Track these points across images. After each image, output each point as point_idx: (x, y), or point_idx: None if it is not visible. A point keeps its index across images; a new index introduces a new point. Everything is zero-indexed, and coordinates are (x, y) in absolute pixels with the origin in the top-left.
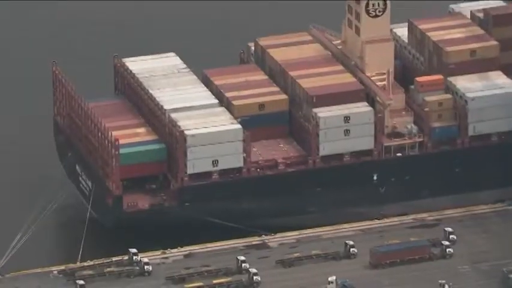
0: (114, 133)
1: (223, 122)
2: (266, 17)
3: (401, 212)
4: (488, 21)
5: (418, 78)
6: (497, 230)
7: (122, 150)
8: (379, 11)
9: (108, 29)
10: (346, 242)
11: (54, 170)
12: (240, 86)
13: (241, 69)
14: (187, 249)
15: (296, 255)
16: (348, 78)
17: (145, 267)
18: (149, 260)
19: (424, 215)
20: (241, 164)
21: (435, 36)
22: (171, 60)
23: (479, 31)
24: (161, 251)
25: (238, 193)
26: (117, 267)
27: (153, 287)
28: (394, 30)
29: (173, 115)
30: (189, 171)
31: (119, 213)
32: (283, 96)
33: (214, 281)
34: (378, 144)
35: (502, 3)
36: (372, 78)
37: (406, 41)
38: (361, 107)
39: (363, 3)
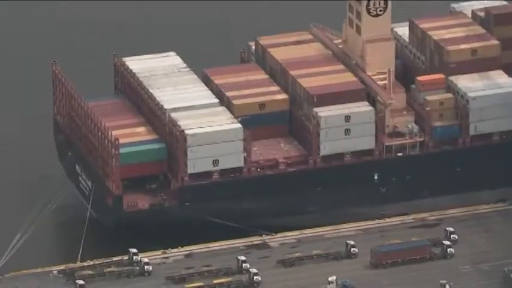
0: (114, 132)
1: (224, 122)
2: (267, 16)
3: (402, 211)
4: (490, 20)
5: (419, 78)
6: (498, 230)
7: (122, 150)
8: (380, 10)
9: (108, 28)
10: (347, 241)
11: (54, 170)
12: (240, 85)
13: (242, 68)
14: (188, 249)
15: (297, 255)
16: (348, 77)
17: (146, 267)
18: (149, 260)
19: (425, 214)
20: (241, 163)
21: (436, 35)
22: (171, 60)
23: (480, 30)
24: (161, 250)
25: (239, 193)
26: (117, 267)
27: (153, 287)
28: (395, 29)
29: (173, 114)
30: (190, 170)
31: (119, 213)
32: (284, 96)
33: (215, 281)
34: (378, 143)
35: (504, 2)
36: (373, 77)
37: (407, 40)
38: (362, 107)
39: (364, 3)
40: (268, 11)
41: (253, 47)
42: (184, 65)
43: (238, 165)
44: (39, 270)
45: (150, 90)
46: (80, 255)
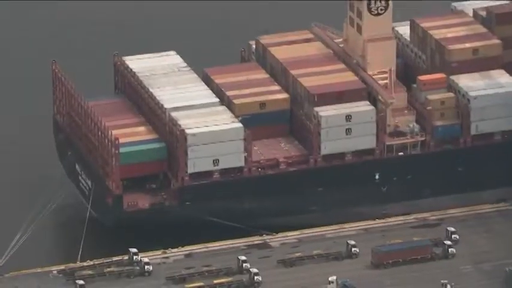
0: (114, 132)
1: (224, 121)
2: (267, 15)
3: (403, 211)
4: (491, 19)
5: (420, 77)
6: (500, 230)
7: (122, 149)
8: (381, 9)
9: (108, 28)
10: (348, 241)
11: (54, 170)
12: (241, 84)
13: (242, 67)
14: (188, 249)
15: (298, 255)
16: (349, 76)
17: (146, 267)
18: (149, 259)
19: (426, 214)
20: (242, 163)
21: (437, 34)
22: (171, 59)
23: (481, 29)
24: (162, 250)
25: (239, 192)
26: (117, 267)
27: (153, 287)
28: (396, 28)
29: (173, 114)
30: (190, 170)
31: (119, 213)
32: (285, 95)
33: (215, 281)
34: (379, 143)
35: (505, 2)
36: (374, 76)
37: (408, 39)
38: (363, 106)
39: (365, 2)
40: (269, 10)
41: (254, 46)
42: (185, 64)
43: (239, 165)
44: (39, 270)
45: (150, 90)
46: (79, 255)
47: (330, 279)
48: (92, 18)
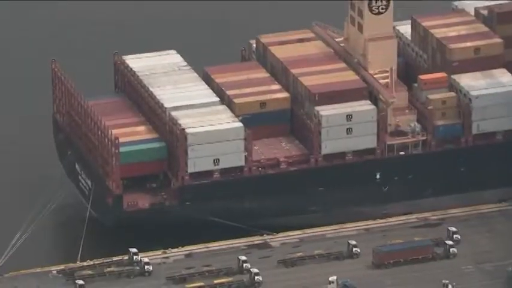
0: (114, 131)
1: (225, 120)
2: (268, 14)
3: (404, 211)
4: (493, 18)
5: (421, 76)
6: (501, 230)
7: (122, 149)
8: (382, 8)
9: (108, 27)
10: (349, 241)
11: (54, 169)
12: (241, 83)
13: (243, 66)
14: (188, 248)
15: (298, 255)
16: (350, 76)
17: (146, 267)
18: (149, 259)
19: (427, 214)
20: (242, 162)
21: (439, 33)
22: (171, 58)
23: (483, 28)
24: (162, 250)
25: (240, 192)
26: (117, 267)
27: (153, 287)
28: (397, 27)
29: (174, 113)
30: (190, 170)
31: (119, 213)
32: (285, 94)
33: (216, 281)
34: (380, 142)
35: (507, 0)
36: (375, 76)
37: (409, 38)
38: (364, 105)
39: (366, 1)
40: (270, 8)
41: (254, 45)
42: (185, 63)
43: (239, 165)
44: (38, 270)
45: (151, 89)
46: (79, 255)
47: (330, 279)
48: (92, 17)
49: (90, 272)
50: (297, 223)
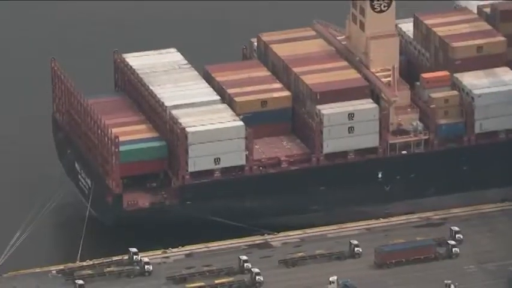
0: (114, 130)
1: (225, 119)
2: (269, 12)
3: (406, 210)
4: (495, 16)
5: (423, 75)
6: (504, 229)
7: (122, 148)
8: (384, 6)
9: (108, 25)
10: (351, 241)
11: (53, 168)
12: (242, 82)
13: (244, 65)
14: (189, 248)
15: (300, 254)
16: (352, 74)
17: (146, 266)
18: (150, 259)
19: (429, 213)
20: (243, 161)
21: (441, 31)
22: (172, 56)
23: (486, 26)
24: (162, 250)
25: (241, 191)
26: (117, 266)
27: (153, 287)
28: (399, 25)
29: (174, 112)
30: (190, 169)
31: (118, 212)
32: (286, 93)
33: (216, 281)
34: (382, 141)
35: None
36: (377, 74)
37: (412, 36)
38: (366, 104)
39: None
40: (271, 6)
41: (255, 43)
42: (185, 62)
43: (240, 164)
44: (37, 270)
45: (151, 87)
46: (79, 254)
47: (330, 279)
48: (92, 16)
49: (89, 271)
50: (298, 223)
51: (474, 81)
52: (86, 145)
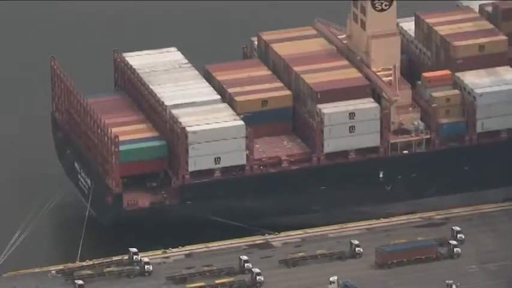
0: (114, 130)
1: (226, 119)
2: (270, 11)
3: (407, 210)
4: (497, 15)
5: (425, 74)
6: (505, 229)
7: (121, 147)
8: (385, 5)
9: (108, 24)
10: (352, 241)
11: (53, 168)
12: (242, 81)
13: (244, 64)
14: (189, 248)
15: (300, 254)
16: (353, 73)
17: (146, 266)
18: (150, 259)
19: (431, 213)
20: (243, 161)
21: (443, 30)
22: (172, 55)
23: (487, 25)
24: (162, 250)
25: (241, 191)
26: (117, 266)
27: (153, 287)
28: (401, 24)
29: (174, 111)
30: (191, 168)
31: (118, 212)
32: (287, 92)
33: (217, 281)
34: (383, 141)
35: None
36: (378, 73)
37: (413, 35)
38: (367, 103)
39: None
40: (271, 5)
41: (256, 43)
42: (186, 61)
43: (241, 163)
44: (37, 270)
45: (151, 87)
46: (79, 254)
47: (330, 279)
48: (92, 16)
49: (89, 272)
50: (299, 222)
51: (476, 80)
52: (85, 144)
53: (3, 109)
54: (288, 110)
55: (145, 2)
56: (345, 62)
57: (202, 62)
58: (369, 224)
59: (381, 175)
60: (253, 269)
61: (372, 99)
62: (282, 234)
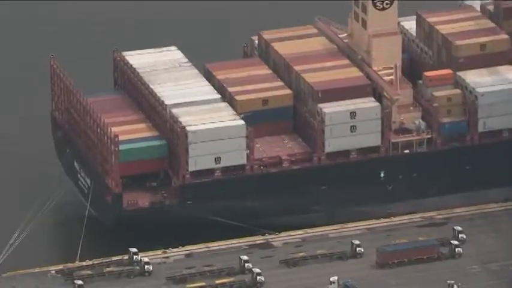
0: (114, 129)
1: (226, 118)
2: (271, 10)
3: (409, 210)
4: (499, 14)
5: (426, 73)
6: (507, 229)
7: (121, 147)
8: (387, 4)
9: (108, 25)
10: (353, 241)
11: (52, 167)
12: (243, 80)
13: (245, 63)
14: (189, 248)
15: (301, 254)
16: (354, 72)
17: (146, 266)
18: (150, 259)
19: (432, 213)
20: (244, 161)
21: (444, 29)
22: (172, 54)
23: (489, 24)
24: (162, 250)
25: (241, 191)
26: (116, 267)
27: (153, 287)
28: (402, 23)
29: (174, 110)
30: (191, 168)
31: (118, 212)
32: (288, 91)
33: (217, 281)
34: (385, 140)
35: None
36: (379, 72)
37: (414, 34)
38: (368, 103)
39: None
40: (272, 4)
41: (256, 41)
42: (186, 60)
43: (241, 163)
44: (37, 270)
45: (151, 86)
46: (78, 254)
47: (331, 279)
48: (92, 16)
49: (89, 272)
50: (300, 222)
51: (477, 79)
52: (85, 144)
53: (3, 109)
54: (289, 110)
55: (145, 2)
56: (346, 61)
57: (203, 61)
58: (369, 224)
59: (382, 175)
60: (253, 269)
61: (373, 99)
62: (283, 234)
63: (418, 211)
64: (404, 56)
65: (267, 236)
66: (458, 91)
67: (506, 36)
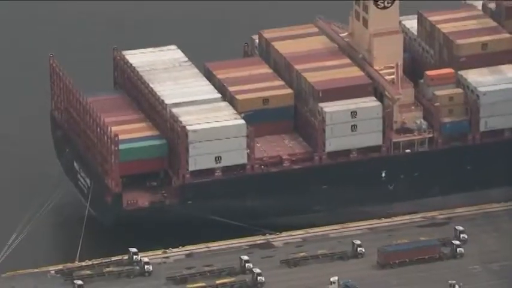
0: (114, 128)
1: (226, 117)
2: (271, 9)
3: (410, 210)
4: (501, 13)
5: (427, 72)
6: (508, 229)
7: (121, 146)
8: (388, 3)
9: (108, 24)
10: (354, 241)
11: (51, 167)
12: (243, 79)
13: (245, 62)
14: (189, 248)
15: (302, 254)
16: (355, 71)
17: (146, 267)
18: (149, 259)
19: (434, 213)
20: (244, 160)
21: (446, 28)
22: (172, 53)
23: (491, 23)
24: (162, 250)
25: (242, 191)
26: (116, 267)
27: (153, 287)
28: (403, 22)
29: (174, 110)
30: (191, 168)
31: (118, 211)
32: (288, 91)
33: (217, 281)
34: (386, 140)
35: None
36: (380, 72)
37: (416, 33)
38: (369, 102)
39: None
40: (273, 3)
41: (257, 41)
42: (186, 59)
43: (242, 162)
44: (36, 270)
45: (151, 85)
46: (78, 254)
47: (331, 279)
48: (92, 15)
49: (89, 272)
50: (300, 222)
51: (479, 78)
52: (84, 144)
53: (3, 109)
54: (290, 109)
55: (145, 1)
56: (347, 60)
57: (203, 60)
58: (370, 224)
59: (383, 174)
60: (254, 269)
61: (374, 98)
62: (283, 234)
63: (420, 211)
64: (406, 55)
65: (268, 236)
66: (459, 90)
67: (508, 35)
